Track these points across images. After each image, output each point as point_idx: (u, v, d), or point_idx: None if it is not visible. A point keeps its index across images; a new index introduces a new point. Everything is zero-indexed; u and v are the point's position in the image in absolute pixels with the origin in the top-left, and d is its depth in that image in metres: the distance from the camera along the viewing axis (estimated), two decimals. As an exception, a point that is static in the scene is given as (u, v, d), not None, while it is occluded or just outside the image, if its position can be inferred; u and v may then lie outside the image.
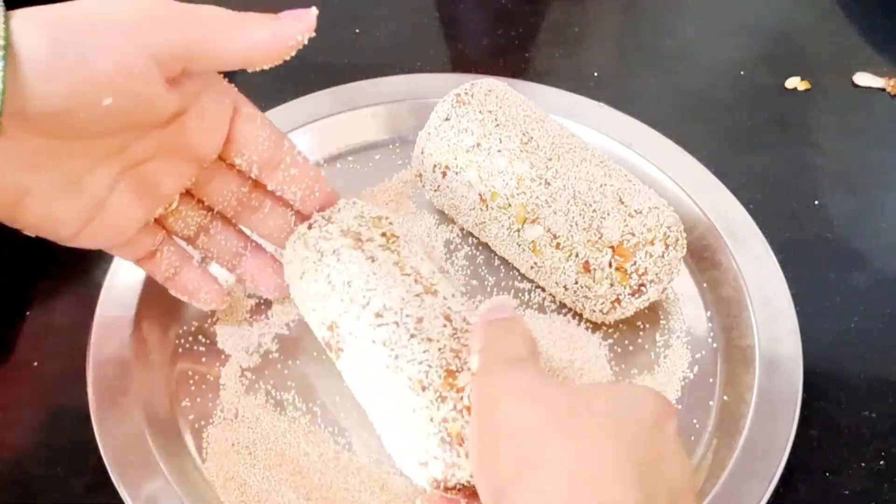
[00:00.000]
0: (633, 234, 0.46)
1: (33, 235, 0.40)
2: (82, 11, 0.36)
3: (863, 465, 0.46)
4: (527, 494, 0.31)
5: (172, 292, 0.47)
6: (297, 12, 0.39)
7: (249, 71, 0.40)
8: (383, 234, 0.45)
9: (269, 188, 0.45)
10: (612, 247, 0.46)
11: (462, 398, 0.38)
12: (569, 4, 0.71)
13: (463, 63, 0.66)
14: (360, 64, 0.63)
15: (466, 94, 0.50)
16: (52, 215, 0.39)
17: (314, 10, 0.39)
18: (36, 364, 0.49)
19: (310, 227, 0.45)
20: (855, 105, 0.63)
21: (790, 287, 0.49)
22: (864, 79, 0.64)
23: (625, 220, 0.46)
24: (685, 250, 0.48)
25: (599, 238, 0.46)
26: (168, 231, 0.46)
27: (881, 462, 0.46)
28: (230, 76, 0.64)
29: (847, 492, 0.45)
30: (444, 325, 0.40)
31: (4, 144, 0.35)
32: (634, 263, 0.46)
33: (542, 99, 0.55)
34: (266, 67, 0.40)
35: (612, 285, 0.46)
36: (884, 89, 0.63)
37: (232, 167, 0.45)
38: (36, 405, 0.48)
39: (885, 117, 0.62)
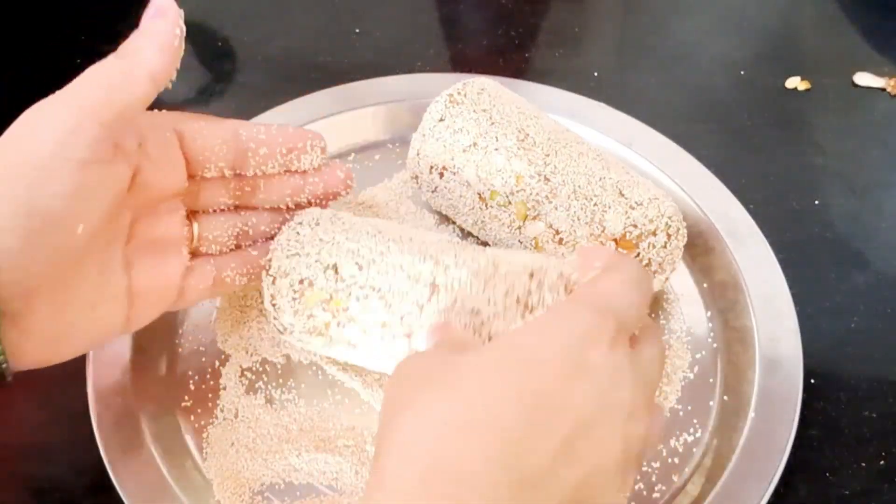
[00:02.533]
0: (636, 226, 0.46)
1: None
2: (13, 160, 0.35)
3: (863, 465, 0.46)
4: (395, 437, 0.31)
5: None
6: (155, 9, 0.38)
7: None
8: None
9: (249, 175, 0.45)
10: (615, 239, 0.46)
11: None
12: (569, 4, 0.70)
13: (463, 63, 0.66)
14: (360, 64, 0.63)
15: (459, 93, 0.50)
16: (93, 331, 0.40)
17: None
18: (36, 364, 0.49)
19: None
20: (855, 105, 0.63)
21: (790, 287, 0.49)
22: (864, 79, 0.64)
23: (626, 213, 0.46)
24: (686, 239, 0.48)
25: (602, 231, 0.46)
26: (210, 255, 0.46)
27: (881, 462, 0.46)
28: (227, 80, 0.64)
29: (847, 492, 0.45)
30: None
31: (25, 323, 0.37)
32: (638, 255, 0.46)
33: (542, 99, 0.55)
34: (174, 79, 0.38)
35: None
36: (884, 89, 0.63)
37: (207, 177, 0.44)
38: (36, 405, 0.48)
39: (885, 117, 0.62)
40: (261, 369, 0.48)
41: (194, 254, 0.45)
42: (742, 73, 0.65)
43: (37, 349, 0.38)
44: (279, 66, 0.65)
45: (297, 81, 0.60)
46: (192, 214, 0.45)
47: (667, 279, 0.48)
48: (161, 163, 0.41)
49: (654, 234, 0.46)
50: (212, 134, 0.43)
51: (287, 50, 0.66)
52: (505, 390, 0.31)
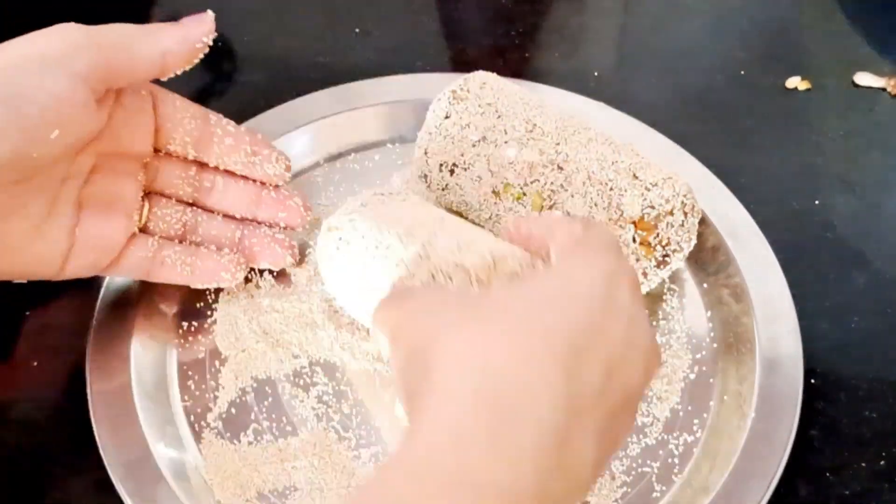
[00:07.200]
0: (653, 207, 0.46)
1: (23, 281, 0.43)
2: (13, 53, 0.39)
3: (863, 465, 0.46)
4: (431, 400, 0.30)
5: (198, 285, 0.48)
6: (196, 16, 0.42)
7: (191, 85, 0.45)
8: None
9: (211, 164, 0.47)
10: (633, 222, 0.46)
11: None
12: (569, 4, 0.70)
13: (463, 63, 0.66)
14: (360, 64, 0.63)
15: (462, 89, 0.50)
16: (30, 258, 0.42)
17: (210, 13, 0.43)
18: (36, 364, 0.49)
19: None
20: (855, 105, 0.63)
21: (790, 287, 0.49)
22: (864, 79, 0.64)
23: (642, 195, 0.46)
24: (700, 215, 0.49)
25: (620, 215, 0.46)
26: (155, 234, 0.47)
27: (881, 462, 0.46)
28: (227, 80, 0.64)
29: (847, 492, 0.45)
30: None
31: None
32: (657, 235, 0.47)
33: (541, 99, 0.55)
34: (179, 72, 0.43)
35: (637, 260, 0.47)
36: (884, 89, 0.63)
37: (170, 155, 0.47)
38: (36, 405, 0.48)
39: (885, 117, 0.62)
40: (260, 370, 0.48)
41: (142, 230, 0.47)
42: (742, 73, 0.65)
43: None
44: (279, 66, 0.65)
45: (297, 81, 0.60)
46: (147, 196, 0.47)
47: (685, 258, 0.49)
48: (133, 119, 0.44)
49: (672, 213, 0.47)
50: (184, 107, 0.46)
51: (287, 50, 0.66)
52: (554, 323, 0.31)
